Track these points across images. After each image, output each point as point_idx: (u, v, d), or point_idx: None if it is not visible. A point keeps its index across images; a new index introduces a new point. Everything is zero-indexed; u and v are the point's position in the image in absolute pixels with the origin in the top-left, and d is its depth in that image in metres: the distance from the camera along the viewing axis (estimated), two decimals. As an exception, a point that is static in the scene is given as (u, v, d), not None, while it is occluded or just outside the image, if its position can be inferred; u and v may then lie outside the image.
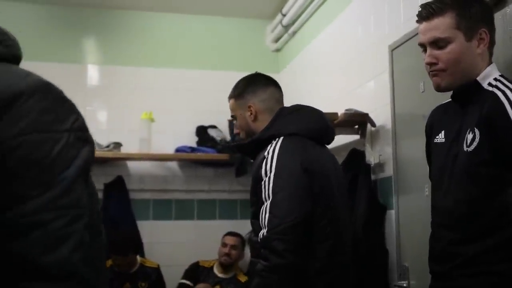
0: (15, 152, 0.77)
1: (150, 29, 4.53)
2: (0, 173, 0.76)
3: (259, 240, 1.91)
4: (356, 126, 3.06)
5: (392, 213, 2.69)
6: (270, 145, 2.03)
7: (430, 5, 1.65)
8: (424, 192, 2.31)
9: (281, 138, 2.03)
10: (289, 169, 1.96)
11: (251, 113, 2.21)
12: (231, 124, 4.38)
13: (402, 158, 2.63)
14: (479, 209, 1.54)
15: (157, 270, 3.92)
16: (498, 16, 1.86)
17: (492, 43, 1.65)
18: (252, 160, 2.26)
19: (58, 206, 0.78)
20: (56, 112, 0.83)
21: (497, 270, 1.50)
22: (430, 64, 1.64)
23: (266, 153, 2.01)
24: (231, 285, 3.88)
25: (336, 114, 3.01)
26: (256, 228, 2.00)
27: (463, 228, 1.57)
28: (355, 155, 2.93)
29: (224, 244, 3.93)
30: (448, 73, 1.63)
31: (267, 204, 1.92)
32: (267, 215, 1.90)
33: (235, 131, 2.36)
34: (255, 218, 2.02)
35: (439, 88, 1.68)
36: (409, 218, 2.54)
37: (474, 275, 1.54)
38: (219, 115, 4.40)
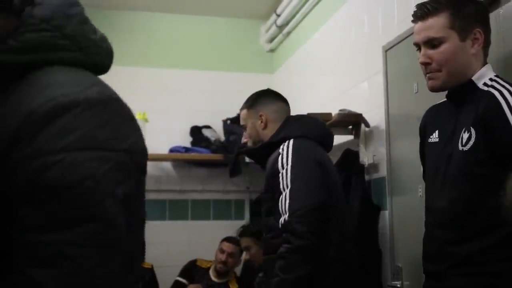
0: (52, 169, 0.69)
1: (144, 29, 4.52)
2: (32, 193, 0.69)
3: (280, 226, 2.05)
4: (350, 127, 3.07)
5: (385, 214, 2.70)
6: (282, 144, 2.21)
7: (425, 5, 1.66)
8: (418, 192, 2.32)
9: (291, 139, 2.21)
10: (305, 161, 2.15)
11: (261, 121, 2.40)
12: (225, 125, 4.38)
13: (395, 159, 2.64)
14: (474, 209, 1.54)
15: (150, 271, 3.91)
16: (491, 17, 1.87)
17: (487, 43, 1.65)
18: (259, 165, 2.44)
19: (93, 243, 0.69)
20: (117, 128, 0.74)
21: (491, 270, 1.50)
22: (424, 63, 1.66)
23: (280, 150, 2.19)
24: None
25: (330, 114, 3.01)
26: (271, 224, 2.16)
27: (458, 227, 1.57)
28: (349, 155, 2.94)
29: (221, 250, 3.88)
30: (442, 73, 1.64)
31: (286, 192, 2.08)
32: (287, 201, 2.06)
33: (243, 140, 2.53)
34: (269, 215, 2.21)
35: (433, 89, 1.69)
36: (403, 218, 2.55)
37: (469, 275, 1.54)
38: (213, 115, 4.40)
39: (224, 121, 4.39)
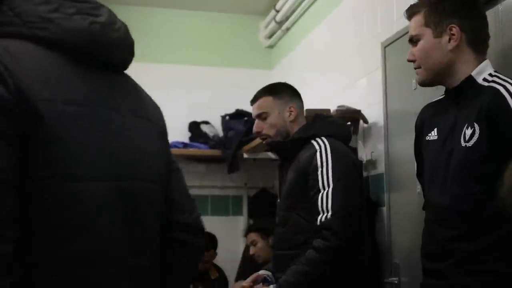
0: None
1: (143, 24, 4.50)
2: None
3: (318, 223, 2.04)
4: (349, 123, 3.06)
5: (383, 210, 2.70)
6: (315, 141, 2.19)
7: (411, 6, 1.74)
8: (416, 189, 2.32)
9: (323, 137, 2.20)
10: (346, 162, 2.18)
11: (290, 114, 2.32)
12: (224, 120, 4.37)
13: (394, 155, 2.64)
14: (477, 206, 1.53)
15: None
16: (490, 14, 1.87)
17: (472, 38, 1.65)
18: (278, 159, 2.45)
19: None
20: None
21: (492, 268, 1.49)
22: (409, 60, 1.73)
23: (317, 147, 2.17)
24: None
25: (328, 110, 3.00)
26: (291, 220, 2.15)
27: (460, 225, 1.56)
28: (347, 151, 2.94)
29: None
30: (423, 69, 1.69)
31: (328, 190, 2.08)
32: (329, 200, 2.06)
33: (257, 129, 2.38)
34: (289, 210, 2.19)
35: (420, 84, 1.75)
36: (401, 215, 2.55)
37: (470, 273, 1.53)
38: (212, 111, 4.39)
39: (223, 117, 4.38)
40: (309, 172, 2.14)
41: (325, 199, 2.07)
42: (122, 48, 1.10)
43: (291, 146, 2.28)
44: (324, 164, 2.12)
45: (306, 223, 2.11)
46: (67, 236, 0.92)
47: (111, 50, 1.06)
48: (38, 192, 0.90)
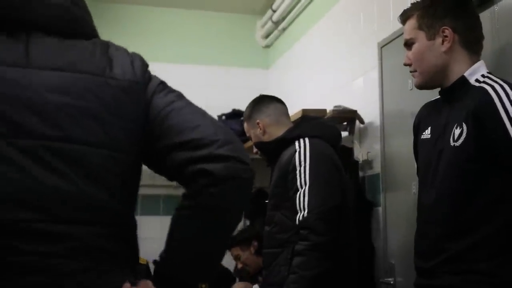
0: None
1: (139, 23, 4.49)
2: None
3: (297, 222, 2.07)
4: (345, 123, 3.06)
5: (379, 210, 2.70)
6: (297, 142, 2.22)
7: (404, 10, 1.75)
8: (412, 189, 2.32)
9: (306, 138, 2.22)
10: (324, 161, 2.19)
11: (260, 129, 2.43)
12: (220, 120, 4.37)
13: (390, 156, 2.64)
14: (463, 205, 1.54)
15: (145, 267, 3.89)
16: (486, 14, 1.87)
17: (466, 39, 1.65)
18: (267, 160, 2.46)
19: None
20: None
21: (480, 268, 1.50)
22: (405, 64, 1.74)
23: (297, 147, 2.20)
24: None
25: (324, 110, 3.01)
26: (277, 219, 2.19)
27: (447, 224, 1.58)
28: (343, 151, 2.92)
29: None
30: (418, 72, 1.71)
31: (305, 189, 2.10)
32: (306, 198, 2.08)
33: (254, 150, 2.55)
34: (274, 210, 2.23)
35: (417, 87, 1.76)
36: (396, 215, 2.55)
37: (458, 272, 1.54)
38: (208, 111, 4.33)
39: (219, 117, 4.38)
40: (289, 171, 2.18)
41: (302, 197, 2.10)
42: (47, 7, 1.03)
43: (275, 147, 2.33)
44: (302, 163, 2.15)
45: (289, 222, 2.14)
46: None
47: (26, 8, 1.01)
48: None
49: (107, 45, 1.11)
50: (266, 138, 2.41)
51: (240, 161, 1.03)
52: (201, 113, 1.12)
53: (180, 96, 1.14)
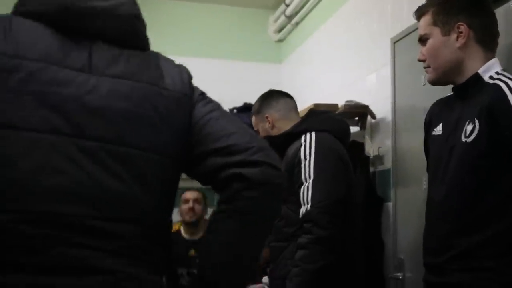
0: None
1: (151, 16, 4.44)
2: None
3: (300, 216, 2.08)
4: (356, 118, 3.07)
5: (389, 206, 2.70)
6: (304, 136, 2.22)
7: (420, 6, 1.75)
8: (422, 185, 2.32)
9: (313, 132, 2.22)
10: (329, 154, 2.19)
11: (268, 123, 2.43)
12: (232, 114, 4.38)
13: (401, 151, 2.64)
14: (474, 201, 1.54)
15: None
16: (500, 11, 1.86)
17: (481, 36, 1.65)
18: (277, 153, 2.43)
19: None
20: None
21: (486, 265, 1.50)
22: (419, 60, 1.74)
23: (302, 141, 2.21)
24: None
25: (336, 105, 3.01)
26: (283, 213, 2.16)
27: (458, 220, 1.57)
28: (355, 146, 2.93)
29: (185, 201, 3.71)
30: (432, 68, 1.70)
31: (309, 182, 2.11)
32: (310, 191, 2.09)
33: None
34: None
35: (431, 83, 1.76)
36: (406, 211, 2.55)
37: (467, 269, 1.53)
38: (220, 104, 4.39)
39: (231, 110, 4.39)
40: (294, 165, 2.18)
41: (306, 191, 2.11)
42: (111, 18, 1.09)
43: (282, 141, 2.33)
44: (308, 157, 2.16)
45: (295, 215, 2.14)
46: None
47: (92, 18, 1.07)
48: None
49: (157, 56, 1.19)
50: (274, 133, 2.41)
51: (274, 167, 1.09)
52: (237, 123, 1.18)
53: (218, 106, 1.21)
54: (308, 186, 2.10)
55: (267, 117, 2.44)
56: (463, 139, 1.57)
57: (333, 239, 2.04)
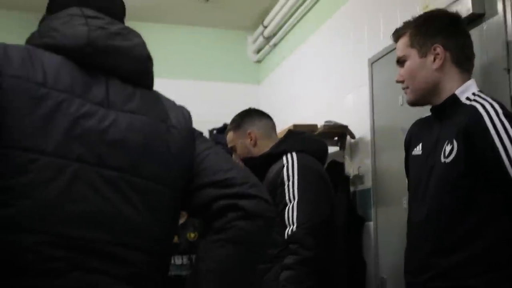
0: None
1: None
2: None
3: (286, 237, 2.07)
4: (336, 138, 3.08)
5: (370, 225, 2.71)
6: (285, 156, 2.23)
7: (397, 29, 1.78)
8: (402, 204, 2.33)
9: (293, 152, 2.23)
10: (312, 175, 2.20)
11: (251, 139, 2.42)
12: (211, 135, 4.37)
13: (381, 170, 2.65)
14: (453, 221, 1.55)
15: None
16: (474, 32, 1.90)
17: (457, 57, 1.68)
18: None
19: None
20: None
21: (466, 284, 1.50)
22: (398, 81, 1.76)
23: (284, 162, 2.21)
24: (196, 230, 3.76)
25: (315, 126, 3.03)
26: None
27: (438, 240, 1.58)
28: (334, 166, 2.95)
29: None
30: (410, 89, 1.73)
31: (293, 203, 2.11)
32: (295, 212, 2.09)
33: (236, 161, 2.47)
34: None
35: (409, 104, 1.77)
36: (387, 230, 2.56)
37: None
38: (199, 125, 4.33)
39: (210, 131, 4.39)
40: (277, 186, 2.18)
41: (291, 212, 2.10)
42: (128, 57, 1.16)
43: (263, 162, 2.33)
44: (291, 178, 2.16)
45: (279, 237, 2.12)
46: (7, 200, 0.97)
47: (113, 56, 1.13)
48: None
49: (159, 95, 1.27)
50: (255, 151, 2.40)
51: (267, 201, 1.17)
52: (231, 160, 1.28)
53: (213, 144, 1.30)
54: (292, 207, 2.10)
55: (249, 134, 2.43)
56: (442, 160, 1.58)
57: (318, 259, 2.04)
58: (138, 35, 1.20)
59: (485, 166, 1.50)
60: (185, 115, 1.28)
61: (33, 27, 1.19)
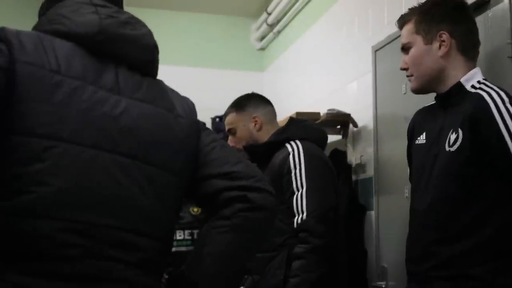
0: None
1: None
2: None
3: (295, 225, 2.06)
4: (338, 126, 3.07)
5: (372, 214, 2.70)
6: (289, 144, 2.21)
7: (402, 15, 1.76)
8: (404, 193, 2.33)
9: (297, 140, 2.22)
10: (319, 163, 2.20)
11: (255, 124, 2.38)
12: (214, 122, 4.36)
13: (383, 159, 2.64)
14: (457, 210, 1.55)
15: None
16: (479, 20, 1.88)
17: (463, 45, 1.66)
18: (256, 162, 2.38)
19: None
20: None
21: (473, 273, 1.50)
22: (402, 69, 1.74)
23: (290, 150, 2.19)
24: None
25: (318, 113, 3.01)
26: None
27: (442, 228, 1.57)
28: (337, 155, 2.94)
29: None
30: (414, 77, 1.71)
31: (302, 191, 2.10)
32: (304, 201, 2.08)
33: (231, 144, 2.42)
34: None
35: (413, 91, 1.75)
36: (389, 219, 2.56)
37: (450, 277, 1.53)
38: (202, 113, 4.32)
39: (213, 119, 4.38)
40: (283, 174, 2.16)
41: (300, 200, 2.10)
42: (138, 47, 1.18)
43: (265, 150, 2.31)
44: (297, 166, 2.14)
45: (283, 225, 2.12)
46: (23, 187, 0.98)
47: (123, 45, 1.15)
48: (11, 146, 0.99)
49: (164, 85, 1.28)
50: (259, 136, 2.37)
51: (272, 194, 1.22)
52: (237, 154, 1.31)
53: (218, 137, 1.33)
54: (301, 195, 2.10)
55: (255, 118, 2.39)
56: (447, 148, 1.57)
57: (328, 247, 2.05)
58: (144, 25, 1.22)
59: (490, 155, 1.49)
60: (189, 106, 1.31)
61: (29, 11, 1.19)
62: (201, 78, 4.55)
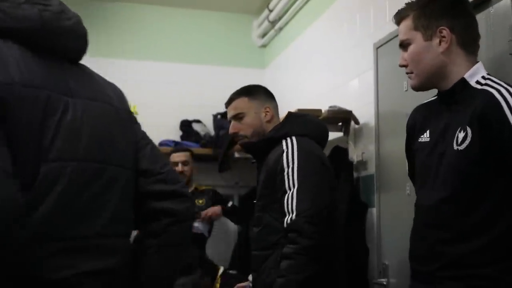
0: None
1: (135, 21, 4.48)
2: None
3: (285, 225, 2.02)
4: (340, 123, 3.07)
5: (373, 211, 2.70)
6: (285, 141, 2.17)
7: (399, 10, 1.71)
8: (406, 190, 2.32)
9: (293, 137, 2.17)
10: (312, 161, 2.14)
11: (266, 114, 2.32)
12: (215, 119, 4.36)
13: (384, 156, 2.64)
14: (466, 209, 1.52)
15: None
16: (481, 17, 1.87)
17: (463, 40, 1.63)
18: (254, 159, 2.37)
19: None
20: None
21: (482, 273, 1.48)
22: (401, 65, 1.70)
23: (284, 147, 2.14)
24: (203, 197, 3.82)
25: (319, 110, 3.01)
26: (265, 221, 2.15)
27: (450, 227, 1.55)
28: (338, 152, 2.94)
29: (173, 164, 3.69)
30: (415, 74, 1.67)
31: (293, 191, 2.05)
32: (295, 201, 2.03)
33: (234, 130, 2.35)
34: (262, 211, 2.17)
35: (413, 89, 1.72)
36: (390, 216, 2.55)
37: (459, 278, 1.51)
38: (203, 110, 4.38)
39: (215, 116, 4.37)
40: (277, 173, 2.12)
41: (290, 200, 2.05)
42: (75, 37, 1.15)
43: (263, 146, 2.26)
44: (290, 164, 2.09)
45: (278, 223, 2.09)
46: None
47: (63, 38, 1.11)
48: None
49: (90, 70, 1.24)
50: (268, 127, 2.31)
51: (193, 203, 1.29)
52: (164, 156, 1.36)
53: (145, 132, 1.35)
54: (292, 195, 2.05)
55: (266, 108, 2.33)
56: (455, 147, 1.54)
57: (319, 248, 2.00)
58: (69, 9, 1.18)
59: (501, 152, 1.47)
60: (119, 92, 1.30)
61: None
62: (202, 75, 4.54)
